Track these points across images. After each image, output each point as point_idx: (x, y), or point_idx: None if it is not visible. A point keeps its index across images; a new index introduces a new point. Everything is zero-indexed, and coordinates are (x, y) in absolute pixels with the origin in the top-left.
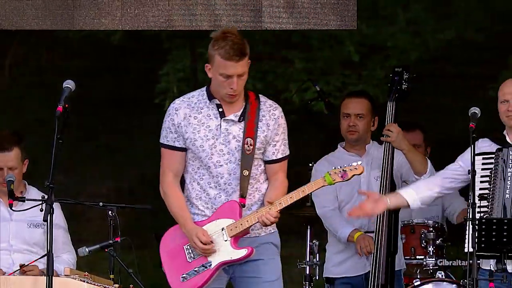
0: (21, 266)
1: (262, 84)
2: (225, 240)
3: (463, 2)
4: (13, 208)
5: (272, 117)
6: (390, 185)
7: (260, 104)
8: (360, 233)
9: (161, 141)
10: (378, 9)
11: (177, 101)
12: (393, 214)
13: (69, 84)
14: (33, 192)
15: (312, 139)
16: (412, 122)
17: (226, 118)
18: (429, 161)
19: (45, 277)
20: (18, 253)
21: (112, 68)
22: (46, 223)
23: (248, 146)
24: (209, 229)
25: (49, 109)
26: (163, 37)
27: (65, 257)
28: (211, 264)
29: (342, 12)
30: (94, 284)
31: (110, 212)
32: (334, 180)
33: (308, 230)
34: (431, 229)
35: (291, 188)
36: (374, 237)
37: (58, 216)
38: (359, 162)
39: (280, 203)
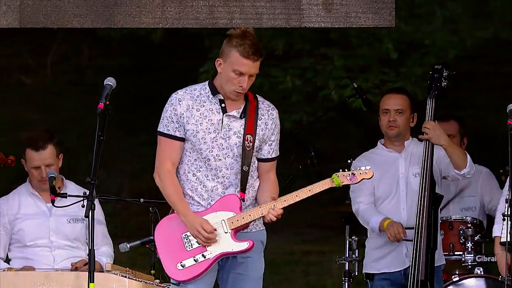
0: (73, 266)
1: (301, 80)
2: (226, 232)
3: (499, 1)
4: (54, 204)
5: (270, 117)
6: (430, 181)
7: (258, 103)
8: (389, 220)
9: (161, 129)
10: (416, 7)
11: (180, 92)
12: (432, 209)
13: (110, 81)
14: (71, 187)
15: (350, 136)
16: (446, 113)
17: (228, 113)
18: (468, 155)
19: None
20: (59, 250)
21: (153, 66)
22: (86, 218)
23: (248, 143)
24: (209, 220)
25: (89, 106)
26: (204, 35)
27: (104, 249)
28: (211, 254)
29: (381, 10)
30: (135, 280)
31: (150, 208)
32: (342, 182)
33: (347, 226)
34: (470, 225)
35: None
36: (414, 233)
37: (98, 210)
38: (368, 167)
39: (285, 201)
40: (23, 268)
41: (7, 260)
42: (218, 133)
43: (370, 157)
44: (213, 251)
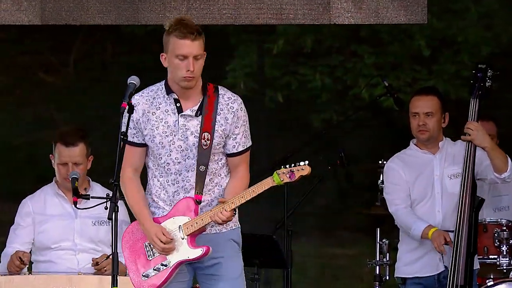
0: (94, 261)
1: (331, 79)
2: (182, 238)
3: None
4: (77, 206)
5: (230, 110)
6: (472, 184)
7: (218, 97)
8: (435, 229)
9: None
10: (449, 3)
11: (136, 96)
12: (473, 213)
13: (134, 80)
14: (97, 189)
15: (381, 136)
16: (486, 113)
17: (183, 113)
18: (509, 159)
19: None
20: (84, 253)
21: None
22: (110, 220)
23: (205, 141)
24: (167, 226)
25: (113, 105)
26: (230, 32)
27: None
28: (170, 263)
29: (412, 6)
30: None
31: None
32: (282, 180)
33: (378, 229)
34: (505, 228)
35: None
36: (453, 237)
37: (123, 212)
38: (306, 162)
39: (232, 202)
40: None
41: (30, 264)
42: (175, 135)
43: (403, 158)
44: (172, 260)
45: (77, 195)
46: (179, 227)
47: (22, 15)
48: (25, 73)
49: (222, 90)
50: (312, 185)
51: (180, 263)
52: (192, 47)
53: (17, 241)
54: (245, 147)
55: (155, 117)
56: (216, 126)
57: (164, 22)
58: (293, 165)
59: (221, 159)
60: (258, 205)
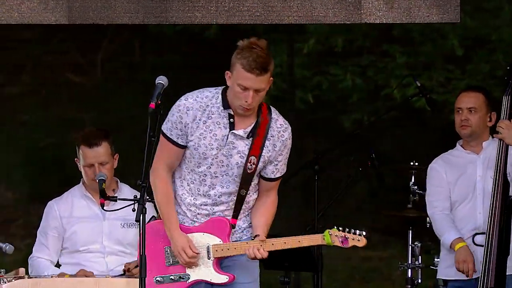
0: (126, 267)
1: (362, 79)
2: (209, 258)
3: None
4: (104, 208)
5: (280, 138)
6: (504, 184)
7: (271, 121)
8: (461, 245)
9: (164, 130)
10: (482, 2)
11: (190, 99)
12: (505, 214)
13: (162, 80)
14: (126, 190)
15: (413, 137)
16: None
17: (234, 132)
18: None
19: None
20: (112, 256)
21: (207, 64)
22: (137, 222)
23: (251, 165)
24: (195, 239)
25: (141, 105)
26: (260, 31)
27: None
28: (188, 278)
29: (445, 5)
30: None
31: None
32: (333, 242)
33: (410, 231)
34: None
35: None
36: (485, 238)
37: (152, 214)
38: (364, 233)
39: (272, 244)
40: (78, 272)
41: (58, 266)
42: (220, 150)
43: (448, 159)
44: (191, 276)
45: (104, 196)
46: (208, 245)
47: (48, 14)
48: (52, 74)
49: (275, 114)
50: (342, 186)
51: (199, 281)
52: (255, 81)
53: (46, 252)
54: (282, 174)
55: (205, 126)
56: (263, 151)
57: (193, 21)
58: (347, 230)
59: (255, 179)
60: (288, 207)
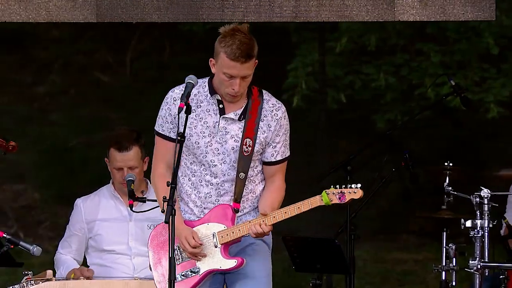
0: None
1: (396, 78)
2: (216, 247)
3: None
4: (133, 209)
5: (274, 118)
6: None
7: (263, 102)
8: None
9: (156, 128)
10: None
11: (176, 90)
12: None
13: (191, 79)
14: None
15: (447, 137)
16: None
17: (225, 116)
18: None
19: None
20: (139, 257)
21: None
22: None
23: (247, 147)
24: (200, 232)
25: None
26: (291, 30)
27: None
28: (199, 271)
29: (480, 2)
30: None
31: None
32: (331, 200)
33: (444, 233)
34: None
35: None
36: None
37: None
38: (359, 185)
39: (274, 217)
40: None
41: (86, 266)
42: (213, 137)
43: None
44: (202, 267)
45: (132, 197)
46: (213, 235)
47: (77, 12)
48: (81, 73)
49: (266, 96)
50: (375, 187)
51: (210, 272)
52: (241, 69)
53: (68, 249)
54: (284, 157)
55: (195, 115)
56: (258, 132)
57: (224, 19)
58: (343, 186)
59: (257, 166)
60: (321, 209)
